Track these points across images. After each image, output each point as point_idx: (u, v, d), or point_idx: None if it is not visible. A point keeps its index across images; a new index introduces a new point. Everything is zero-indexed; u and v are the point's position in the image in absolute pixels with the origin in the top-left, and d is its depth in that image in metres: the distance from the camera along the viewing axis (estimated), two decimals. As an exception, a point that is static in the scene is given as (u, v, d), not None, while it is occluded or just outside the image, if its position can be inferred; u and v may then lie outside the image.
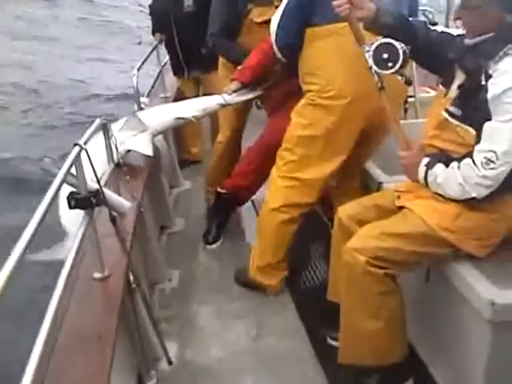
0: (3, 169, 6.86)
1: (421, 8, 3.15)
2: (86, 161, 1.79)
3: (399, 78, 2.07)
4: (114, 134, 2.59)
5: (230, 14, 3.16)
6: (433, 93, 4.00)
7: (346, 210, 2.23)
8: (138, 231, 2.47)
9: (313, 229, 3.19)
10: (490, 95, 1.70)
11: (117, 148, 2.64)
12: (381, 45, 2.00)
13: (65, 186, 1.73)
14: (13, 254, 1.20)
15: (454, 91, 1.89)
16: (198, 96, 3.96)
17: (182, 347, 2.48)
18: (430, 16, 4.07)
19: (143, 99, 3.69)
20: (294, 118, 2.62)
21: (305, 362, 2.36)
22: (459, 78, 1.87)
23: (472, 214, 1.87)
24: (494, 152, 1.69)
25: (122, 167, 2.69)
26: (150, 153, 2.80)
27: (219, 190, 3.38)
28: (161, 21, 4.49)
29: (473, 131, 1.79)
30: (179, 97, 4.45)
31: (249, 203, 3.59)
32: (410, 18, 2.13)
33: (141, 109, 3.49)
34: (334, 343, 2.29)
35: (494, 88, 1.69)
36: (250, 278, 2.84)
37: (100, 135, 2.50)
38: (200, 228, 3.53)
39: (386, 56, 1.99)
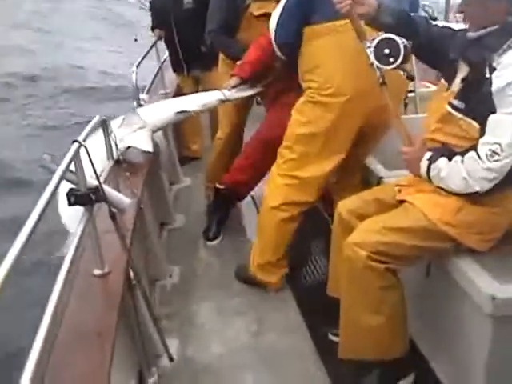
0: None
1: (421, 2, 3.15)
2: (85, 157, 1.79)
3: (401, 73, 2.06)
4: (113, 130, 2.59)
5: (229, 10, 3.15)
6: (433, 87, 4.00)
7: (345, 205, 2.22)
8: (138, 228, 2.46)
9: (313, 225, 3.18)
10: (494, 88, 1.69)
11: (116, 145, 2.64)
12: (382, 40, 2.00)
13: (65, 183, 1.73)
14: (11, 250, 1.19)
15: (457, 84, 1.88)
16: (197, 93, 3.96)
17: (182, 344, 2.48)
18: (430, 11, 4.06)
19: (142, 96, 3.69)
20: (294, 115, 2.62)
21: (306, 358, 2.35)
22: (462, 71, 1.86)
23: (473, 208, 1.86)
24: (499, 144, 1.68)
25: (122, 164, 2.68)
26: (149, 149, 2.80)
27: (218, 186, 3.38)
28: (160, 17, 4.49)
29: (476, 125, 1.79)
30: (179, 93, 4.44)
31: (249, 199, 3.58)
32: (411, 14, 2.12)
33: (140, 105, 3.48)
34: (335, 339, 2.28)
35: (498, 81, 1.69)
36: (250, 275, 2.84)
37: (99, 132, 2.49)
38: (200, 224, 3.53)
39: (387, 51, 1.98)
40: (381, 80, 2.04)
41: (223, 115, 3.53)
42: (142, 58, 4.11)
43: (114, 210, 1.93)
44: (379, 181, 2.67)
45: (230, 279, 2.96)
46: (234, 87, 2.98)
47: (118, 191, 2.23)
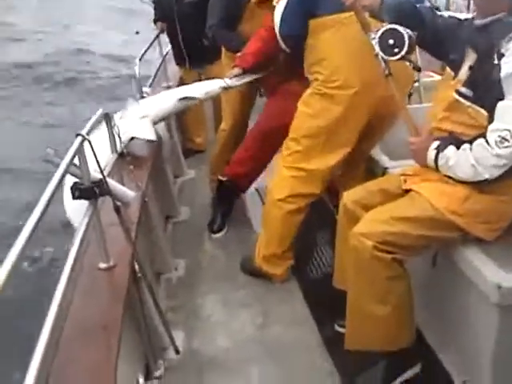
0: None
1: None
2: (89, 151, 1.78)
3: (407, 64, 2.05)
4: (116, 123, 2.58)
5: (230, 1, 3.14)
6: (437, 77, 3.97)
7: (350, 195, 2.21)
8: (143, 221, 2.46)
9: (319, 216, 3.17)
10: (503, 74, 1.68)
11: (120, 137, 2.63)
12: (386, 31, 1.98)
13: (69, 177, 1.73)
14: (15, 244, 1.18)
15: (464, 73, 1.87)
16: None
17: (188, 336, 2.48)
18: (433, 0, 4.03)
19: (145, 89, 3.67)
20: (300, 107, 2.61)
21: (312, 349, 2.35)
22: (470, 59, 1.85)
23: (481, 196, 1.85)
24: (509, 130, 1.67)
25: (126, 157, 2.68)
26: (152, 137, 2.79)
27: (220, 177, 3.38)
28: (163, 10, 4.48)
29: (484, 112, 1.78)
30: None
31: (253, 190, 3.57)
32: (417, 5, 2.10)
33: (142, 97, 3.47)
34: (341, 330, 2.28)
35: (506, 67, 1.68)
36: (255, 267, 2.84)
37: (103, 125, 2.49)
38: (205, 217, 3.53)
39: (391, 42, 1.97)
40: (386, 71, 2.03)
41: (226, 106, 3.52)
42: (145, 51, 4.09)
43: (119, 203, 1.93)
44: (384, 171, 2.66)
45: (236, 271, 2.95)
46: (235, 77, 2.97)
47: (123, 184, 2.23)
